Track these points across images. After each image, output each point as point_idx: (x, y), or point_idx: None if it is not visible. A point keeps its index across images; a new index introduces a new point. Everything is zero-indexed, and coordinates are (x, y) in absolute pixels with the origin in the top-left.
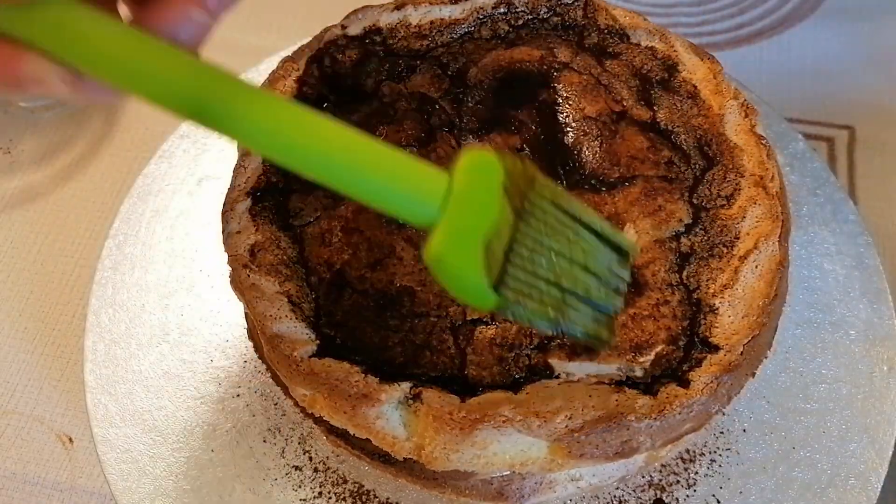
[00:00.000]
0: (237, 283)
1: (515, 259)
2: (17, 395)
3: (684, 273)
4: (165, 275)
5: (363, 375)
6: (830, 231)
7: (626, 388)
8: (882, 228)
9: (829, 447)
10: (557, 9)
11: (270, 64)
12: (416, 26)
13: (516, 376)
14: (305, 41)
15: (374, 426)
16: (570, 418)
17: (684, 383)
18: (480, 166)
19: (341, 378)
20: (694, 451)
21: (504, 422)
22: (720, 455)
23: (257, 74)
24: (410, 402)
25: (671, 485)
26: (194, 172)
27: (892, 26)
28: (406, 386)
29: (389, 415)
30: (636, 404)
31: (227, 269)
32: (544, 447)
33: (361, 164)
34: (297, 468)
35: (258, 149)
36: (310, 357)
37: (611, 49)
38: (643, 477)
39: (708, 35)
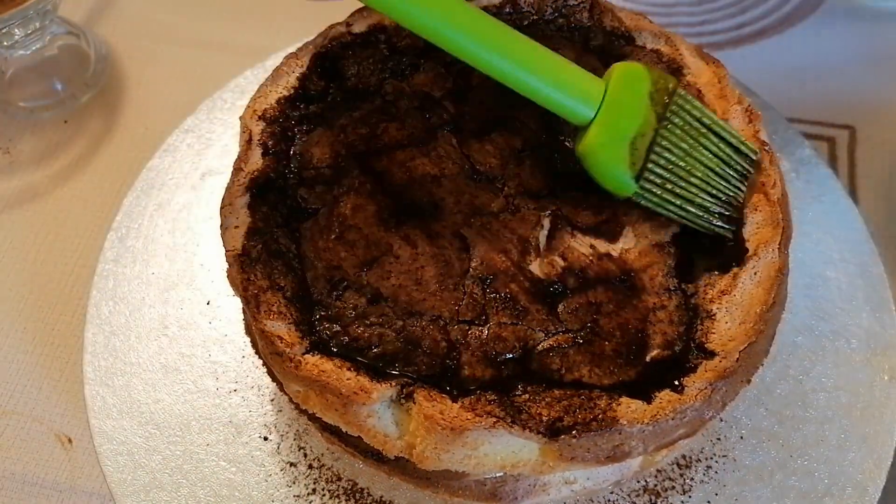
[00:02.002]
0: (233, 278)
1: (655, 157)
2: (16, 395)
3: (682, 277)
4: (166, 268)
5: (355, 373)
6: (835, 238)
7: (620, 393)
8: (882, 228)
9: (828, 456)
10: (563, 10)
11: (277, 59)
12: None
13: (508, 377)
14: (302, 41)
15: (366, 424)
16: (561, 420)
17: (678, 389)
18: (631, 76)
19: (333, 376)
20: (690, 457)
21: (495, 423)
22: (717, 462)
23: (263, 71)
24: (402, 400)
25: (666, 490)
26: (198, 167)
27: (892, 26)
28: (398, 384)
29: (381, 413)
30: (629, 409)
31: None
32: (535, 449)
33: (539, 69)
34: (291, 464)
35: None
36: (303, 354)
37: (616, 51)
38: (638, 482)
39: (708, 35)
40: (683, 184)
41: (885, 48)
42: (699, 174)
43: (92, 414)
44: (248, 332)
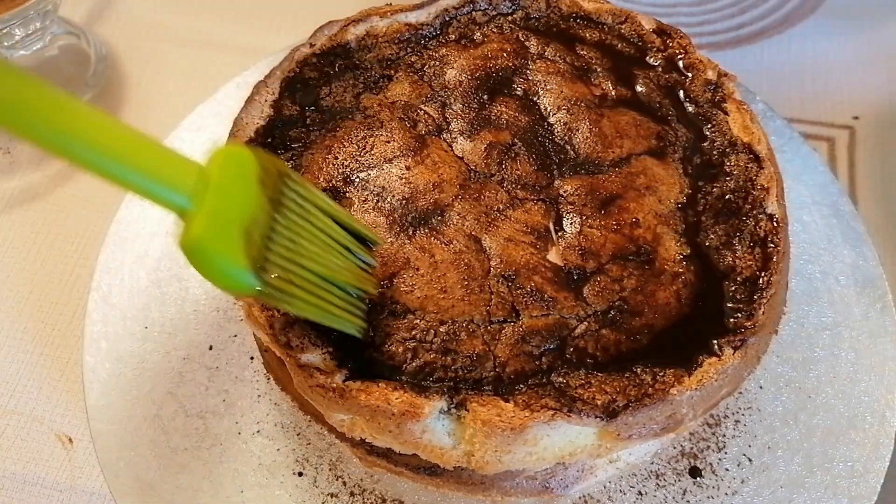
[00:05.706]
0: (254, 318)
1: (273, 245)
2: (17, 395)
3: (694, 243)
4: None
5: (402, 392)
6: (803, 184)
7: (663, 365)
8: (882, 228)
9: (843, 390)
10: (520, 1)
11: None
12: (384, 35)
13: (549, 368)
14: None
15: (422, 440)
16: (615, 402)
17: (716, 351)
18: (235, 160)
19: (381, 398)
20: (718, 415)
21: (553, 415)
22: (743, 415)
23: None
24: (454, 410)
25: (702, 451)
26: None
27: (892, 26)
28: (447, 395)
29: (434, 426)
30: (675, 379)
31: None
32: (591, 434)
33: (115, 153)
34: (332, 495)
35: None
36: (343, 381)
37: (579, 34)
38: (674, 448)
39: (709, 35)
40: (308, 274)
41: (885, 48)
42: (321, 260)
43: (92, 414)
44: (269, 368)
